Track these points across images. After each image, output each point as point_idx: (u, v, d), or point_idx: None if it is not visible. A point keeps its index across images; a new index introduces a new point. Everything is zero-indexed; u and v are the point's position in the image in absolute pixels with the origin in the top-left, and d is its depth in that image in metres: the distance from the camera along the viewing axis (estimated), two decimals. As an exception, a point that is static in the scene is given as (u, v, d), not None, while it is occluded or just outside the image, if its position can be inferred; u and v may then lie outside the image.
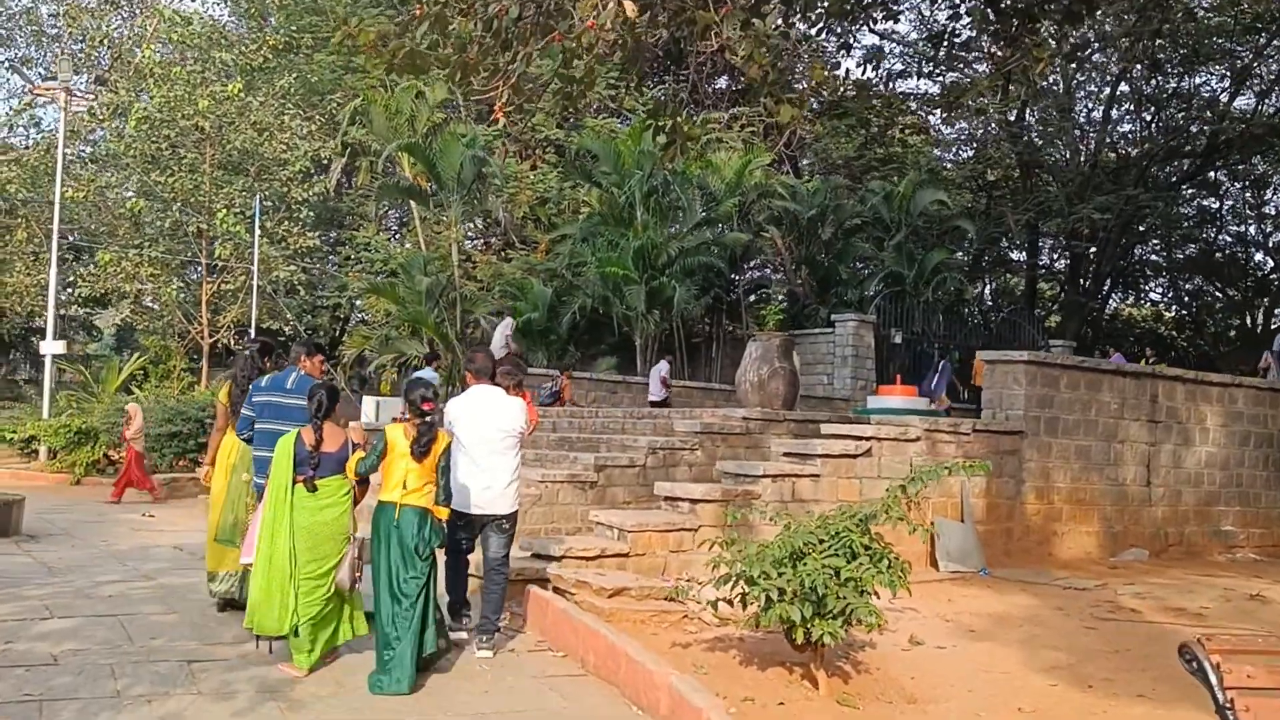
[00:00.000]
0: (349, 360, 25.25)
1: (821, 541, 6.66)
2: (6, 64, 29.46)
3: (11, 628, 7.05)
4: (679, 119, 10.57)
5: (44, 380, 21.56)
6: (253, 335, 21.84)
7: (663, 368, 19.43)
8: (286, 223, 24.56)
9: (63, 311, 37.75)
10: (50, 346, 21.25)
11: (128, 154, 23.11)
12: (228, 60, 24.00)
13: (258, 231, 21.70)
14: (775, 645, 7.23)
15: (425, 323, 21.44)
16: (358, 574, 6.65)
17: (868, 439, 10.58)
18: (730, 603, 6.95)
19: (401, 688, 6.25)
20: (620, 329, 22.79)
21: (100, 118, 23.37)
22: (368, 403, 20.45)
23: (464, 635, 7.57)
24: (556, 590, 8.63)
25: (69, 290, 25.40)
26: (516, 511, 7.67)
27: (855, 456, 10.49)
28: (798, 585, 6.42)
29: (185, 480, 17.74)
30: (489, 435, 7.30)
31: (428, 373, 18.01)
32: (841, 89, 28.86)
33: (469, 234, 28.98)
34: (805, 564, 6.47)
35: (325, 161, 26.15)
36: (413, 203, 24.33)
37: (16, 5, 31.69)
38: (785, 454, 10.67)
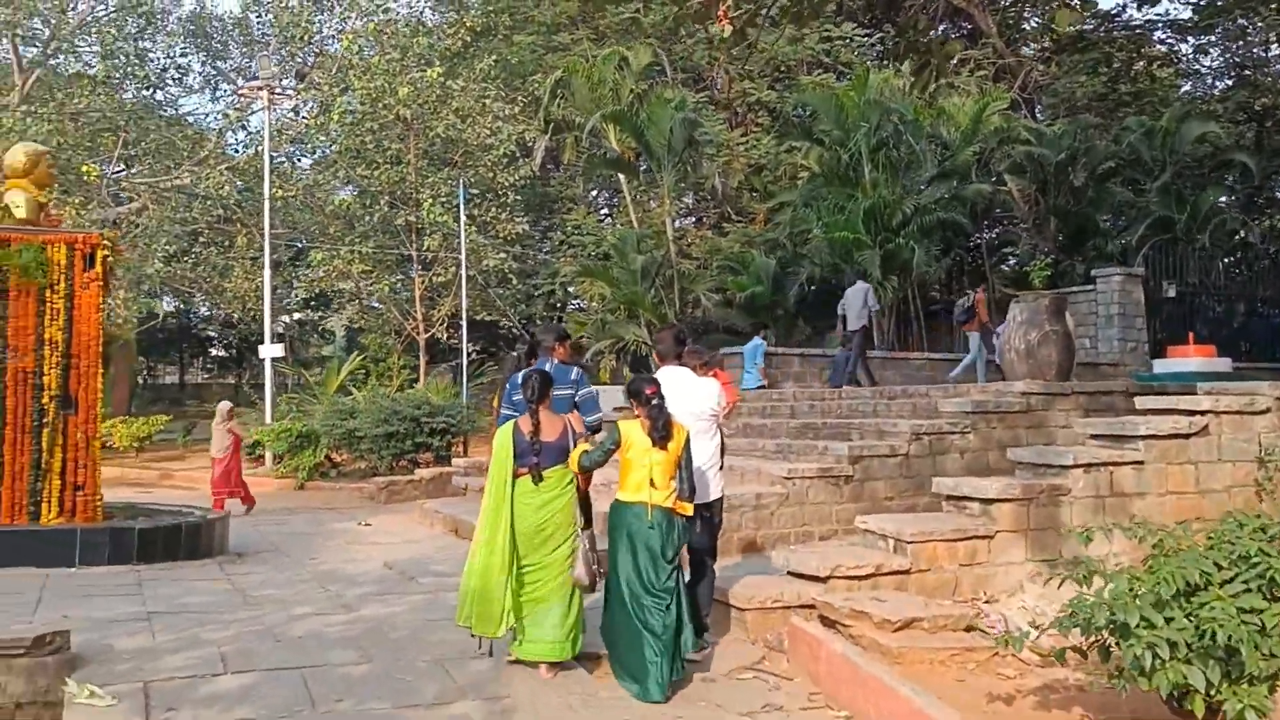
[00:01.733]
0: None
1: (1220, 568, 4.69)
2: (217, 74, 29.84)
3: (178, 689, 5.88)
4: (933, 35, 8.51)
5: (265, 384, 21.35)
6: (464, 328, 20.99)
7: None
8: (494, 209, 23.66)
9: (297, 315, 38.75)
10: (269, 350, 21.02)
11: (333, 150, 22.70)
12: (425, 45, 23.24)
13: (463, 218, 20.76)
14: (1137, 701, 5.29)
15: (642, 303, 19.98)
16: (596, 568, 6.24)
17: (1203, 413, 8.33)
18: (1083, 653, 5.07)
19: (655, 695, 5.85)
20: (852, 299, 20.75)
21: (307, 117, 23.04)
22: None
23: (697, 659, 6.56)
24: (825, 621, 6.92)
25: (292, 294, 25.30)
26: (720, 499, 7.03)
27: (1187, 436, 8.27)
28: (1193, 634, 4.48)
29: (403, 483, 16.91)
30: (681, 419, 6.44)
31: (756, 341, 17.05)
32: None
33: (679, 211, 27.49)
34: (1206, 605, 4.51)
35: (529, 144, 25.15)
36: (621, 176, 22.94)
37: (229, 17, 32.28)
38: (1094, 436, 8.55)
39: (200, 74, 30.25)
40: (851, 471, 10.32)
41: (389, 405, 18.49)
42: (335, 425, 18.85)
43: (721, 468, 7.05)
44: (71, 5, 23.87)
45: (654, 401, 6.13)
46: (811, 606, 7.12)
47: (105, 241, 10.46)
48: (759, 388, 16.17)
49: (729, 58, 25.60)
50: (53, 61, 25.28)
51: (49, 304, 10.18)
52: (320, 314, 35.13)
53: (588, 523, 6.43)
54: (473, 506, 14.45)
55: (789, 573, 7.59)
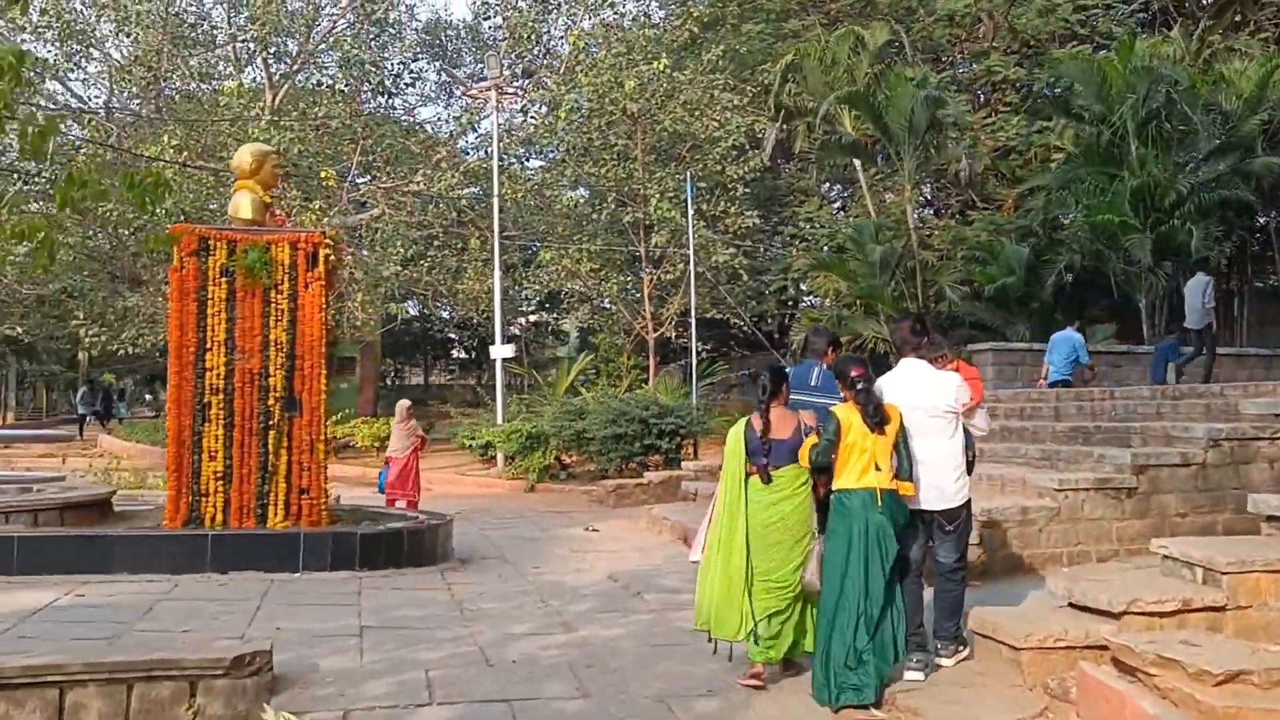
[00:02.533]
0: (798, 346, 23.15)
1: None
2: (452, 81, 30.38)
3: (378, 721, 5.33)
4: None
5: (496, 385, 21.31)
6: (693, 326, 20.31)
7: None
8: (723, 203, 22.91)
9: (532, 317, 39.15)
10: (499, 351, 20.95)
11: (560, 148, 22.51)
12: (651, 39, 22.74)
13: (691, 213, 20.05)
14: None
15: (880, 298, 18.74)
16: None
17: None
18: None
19: (867, 696, 5.50)
20: (1118, 288, 18.84)
21: (535, 117, 22.94)
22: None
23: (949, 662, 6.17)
24: (1120, 667, 5.72)
25: (523, 295, 25.27)
26: (962, 506, 6.20)
27: None
28: None
29: (632, 487, 16.36)
30: (912, 416, 6.07)
31: (1070, 333, 15.53)
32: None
33: (918, 201, 25.99)
34: None
35: (759, 135, 24.23)
36: (857, 163, 21.71)
37: (462, 24, 32.95)
38: None
39: (435, 82, 30.99)
40: (1135, 483, 8.94)
41: (617, 406, 18.01)
42: (564, 426, 18.54)
43: (969, 471, 6.22)
44: (316, 22, 24.69)
45: (859, 385, 5.88)
46: (1103, 648, 5.92)
47: (327, 240, 10.25)
48: (1059, 383, 14.68)
49: (971, 34, 23.93)
50: (300, 78, 26.22)
51: (273, 304, 10.04)
52: (555, 315, 35.39)
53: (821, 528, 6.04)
54: (703, 513, 13.75)
55: (1070, 604, 6.41)
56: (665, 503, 15.47)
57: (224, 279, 9.99)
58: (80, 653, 5.68)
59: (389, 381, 59.45)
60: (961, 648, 6.26)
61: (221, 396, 9.90)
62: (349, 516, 11.22)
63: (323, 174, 20.34)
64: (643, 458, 17.74)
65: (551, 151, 24.22)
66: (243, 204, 10.46)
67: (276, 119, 22.43)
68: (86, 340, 27.24)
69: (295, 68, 25.93)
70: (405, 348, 52.16)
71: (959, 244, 21.47)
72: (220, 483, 9.86)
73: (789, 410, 6.11)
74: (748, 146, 23.72)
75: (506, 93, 21.57)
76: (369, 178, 24.17)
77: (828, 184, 30.14)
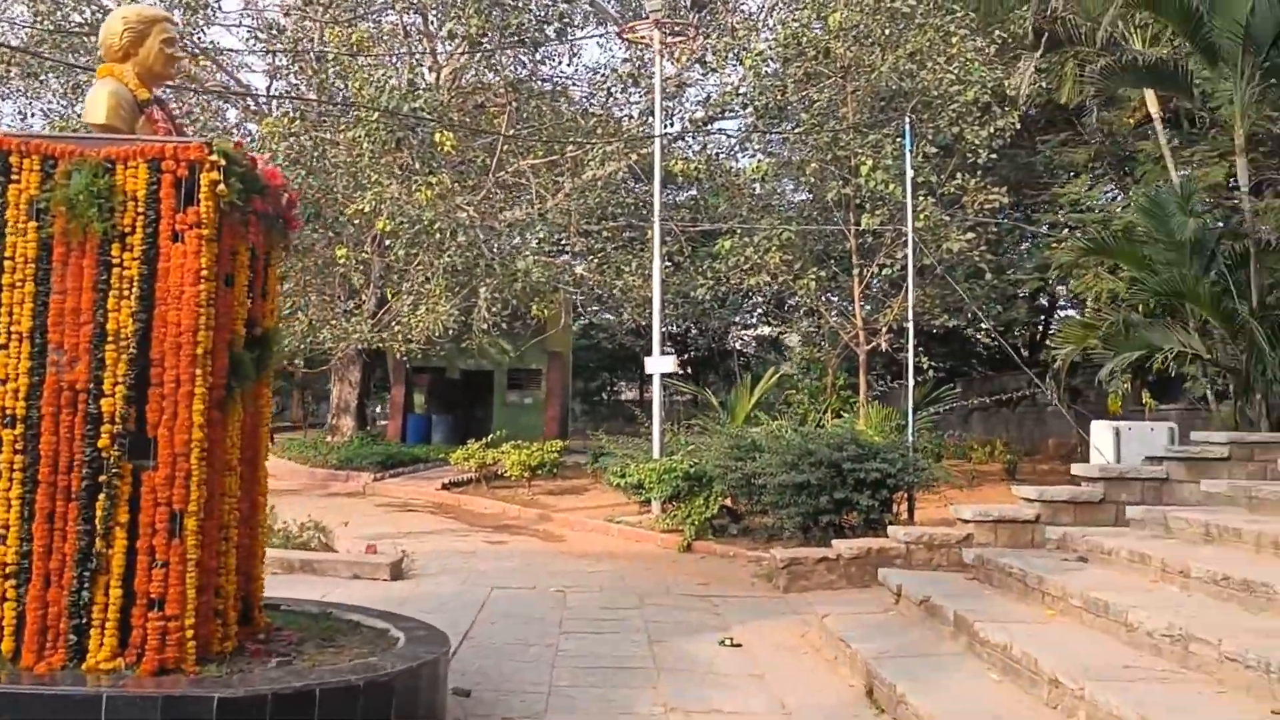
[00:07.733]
0: (1061, 366, 17.16)
1: None
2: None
3: None
4: None
5: (653, 407, 16.55)
6: (910, 334, 14.87)
7: None
8: (960, 175, 17.43)
9: (757, 332, 34.34)
10: (656, 364, 16.20)
11: (747, 110, 17.58)
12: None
13: (909, 175, 14.61)
14: None
15: (1194, 295, 12.74)
16: None
17: None
18: None
19: None
20: None
21: (715, 66, 18.03)
22: (1098, 430, 12.78)
23: None
24: None
25: (695, 295, 20.31)
26: None
27: None
28: None
29: (812, 562, 11.24)
30: None
31: None
32: None
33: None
34: None
35: (1009, 93, 18.41)
36: (1152, 104, 15.49)
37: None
38: None
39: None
40: None
41: (798, 443, 12.95)
42: (730, 467, 13.66)
43: None
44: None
45: None
46: None
47: (215, 157, 5.73)
48: None
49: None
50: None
51: (117, 268, 5.65)
52: (777, 327, 30.67)
53: None
54: (916, 636, 8.46)
55: None
56: (855, 591, 10.43)
57: (33, 223, 5.68)
58: None
59: (604, 396, 55.99)
60: None
61: (21, 430, 5.58)
62: (295, 630, 6.71)
63: (438, 137, 16.18)
64: (833, 516, 12.60)
65: (734, 114, 19.28)
66: (97, 101, 6.10)
67: (415, 90, 18.27)
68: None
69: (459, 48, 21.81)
70: (622, 360, 48.28)
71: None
72: (11, 584, 5.52)
73: None
74: (994, 106, 18.09)
75: (673, 33, 16.80)
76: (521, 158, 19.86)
77: (1101, 161, 23.66)
